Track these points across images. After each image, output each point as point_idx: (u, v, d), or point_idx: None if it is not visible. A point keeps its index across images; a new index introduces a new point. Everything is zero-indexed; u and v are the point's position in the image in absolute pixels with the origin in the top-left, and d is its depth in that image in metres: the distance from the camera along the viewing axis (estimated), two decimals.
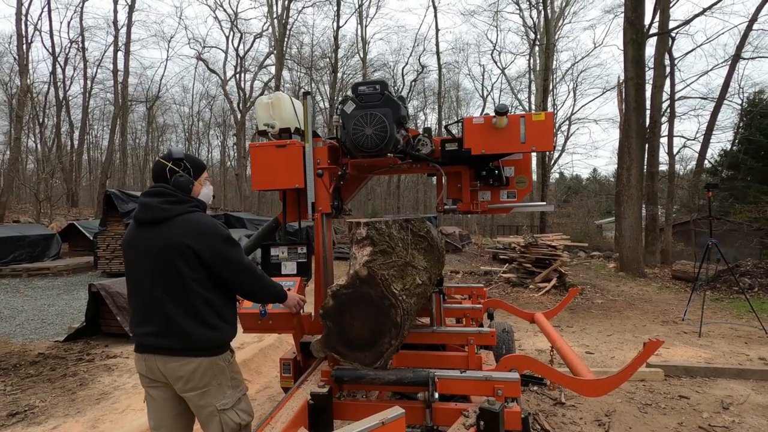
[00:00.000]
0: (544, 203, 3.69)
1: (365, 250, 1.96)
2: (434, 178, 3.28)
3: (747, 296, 6.81)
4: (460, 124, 2.83)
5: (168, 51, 38.52)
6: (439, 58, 28.77)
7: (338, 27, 25.09)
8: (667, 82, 16.41)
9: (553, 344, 2.94)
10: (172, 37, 46.31)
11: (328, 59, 27.78)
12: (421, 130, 3.02)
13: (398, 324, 1.82)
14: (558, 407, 3.38)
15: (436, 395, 1.91)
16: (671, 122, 17.33)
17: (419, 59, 31.68)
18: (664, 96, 16.22)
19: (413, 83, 31.82)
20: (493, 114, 2.59)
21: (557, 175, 37.21)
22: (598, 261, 15.27)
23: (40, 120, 24.65)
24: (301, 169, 2.70)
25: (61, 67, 24.65)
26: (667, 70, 16.11)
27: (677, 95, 17.95)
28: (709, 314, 6.68)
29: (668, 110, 17.20)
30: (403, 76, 31.75)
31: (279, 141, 2.76)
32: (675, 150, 18.23)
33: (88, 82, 25.10)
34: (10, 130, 22.91)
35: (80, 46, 24.37)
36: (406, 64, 33.57)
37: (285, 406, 1.88)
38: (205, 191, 1.93)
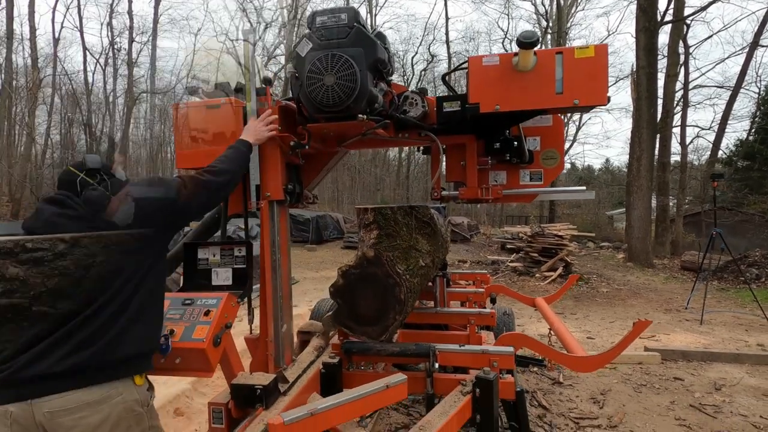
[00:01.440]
0: (583, 188, 2.64)
1: (372, 234, 2.13)
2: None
3: (750, 286, 6.86)
4: (464, 72, 1.98)
5: (194, 45, 38.47)
6: (448, 47, 28.54)
7: None
8: (682, 70, 16.15)
9: (551, 326, 3.10)
10: (198, 30, 46.55)
11: None
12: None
13: (402, 301, 2.00)
14: (556, 386, 3.56)
15: (437, 365, 2.09)
16: (684, 112, 17.10)
17: (429, 48, 31.43)
18: (678, 85, 15.98)
19: (423, 73, 31.60)
20: (515, 50, 1.77)
21: (568, 166, 36.82)
22: (607, 252, 15.27)
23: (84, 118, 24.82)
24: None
25: (101, 67, 25.04)
26: (682, 58, 15.83)
27: (692, 84, 17.70)
28: (714, 303, 6.76)
29: (681, 99, 16.94)
30: (412, 65, 31.55)
31: (211, 100, 2.00)
32: (688, 140, 18.05)
33: (121, 78, 25.46)
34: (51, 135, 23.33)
35: (111, 41, 24.62)
36: (416, 53, 33.28)
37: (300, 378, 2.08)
38: (124, 208, 1.50)
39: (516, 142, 2.10)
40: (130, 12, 23.39)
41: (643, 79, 11.62)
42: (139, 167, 35.58)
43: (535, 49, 1.76)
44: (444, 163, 2.29)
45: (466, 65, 1.95)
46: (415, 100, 2.11)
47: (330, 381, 2.15)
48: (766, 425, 2.90)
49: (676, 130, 16.84)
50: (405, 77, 30.70)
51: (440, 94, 2.19)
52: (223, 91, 2.05)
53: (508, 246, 11.28)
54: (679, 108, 16.95)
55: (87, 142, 23.92)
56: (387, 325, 2.07)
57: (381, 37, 2.02)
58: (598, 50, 1.78)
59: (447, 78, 2.46)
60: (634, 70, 13.01)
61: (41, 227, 1.30)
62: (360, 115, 1.82)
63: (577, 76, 1.78)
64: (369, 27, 2.03)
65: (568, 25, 23.84)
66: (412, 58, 32.03)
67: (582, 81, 1.78)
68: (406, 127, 2.14)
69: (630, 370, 3.89)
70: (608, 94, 1.83)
